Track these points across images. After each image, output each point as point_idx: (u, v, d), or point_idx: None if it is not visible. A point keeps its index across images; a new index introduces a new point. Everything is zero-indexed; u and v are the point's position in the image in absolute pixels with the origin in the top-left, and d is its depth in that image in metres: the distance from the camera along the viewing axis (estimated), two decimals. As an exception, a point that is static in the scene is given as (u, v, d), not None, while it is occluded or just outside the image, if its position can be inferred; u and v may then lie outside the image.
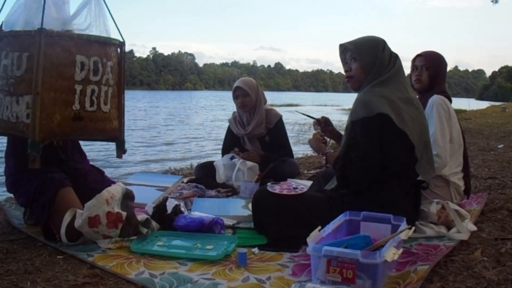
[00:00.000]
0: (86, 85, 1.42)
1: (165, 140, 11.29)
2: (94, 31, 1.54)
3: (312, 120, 2.75)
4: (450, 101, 2.73)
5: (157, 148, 9.54)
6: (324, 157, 2.39)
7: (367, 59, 2.20)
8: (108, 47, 1.51)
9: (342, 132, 2.50)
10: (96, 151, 7.46)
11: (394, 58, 2.22)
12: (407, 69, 2.58)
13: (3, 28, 1.50)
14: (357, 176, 2.13)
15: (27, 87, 1.34)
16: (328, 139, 2.61)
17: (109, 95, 1.50)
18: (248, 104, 3.56)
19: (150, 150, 9.11)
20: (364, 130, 2.09)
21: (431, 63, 2.73)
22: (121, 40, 1.59)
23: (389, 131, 2.06)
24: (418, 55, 2.81)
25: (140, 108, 27.06)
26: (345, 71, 2.31)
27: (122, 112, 1.57)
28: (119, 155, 1.60)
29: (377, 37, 2.26)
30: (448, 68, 2.91)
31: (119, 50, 1.58)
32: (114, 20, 1.65)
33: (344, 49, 2.32)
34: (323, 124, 2.65)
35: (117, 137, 1.56)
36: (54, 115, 1.35)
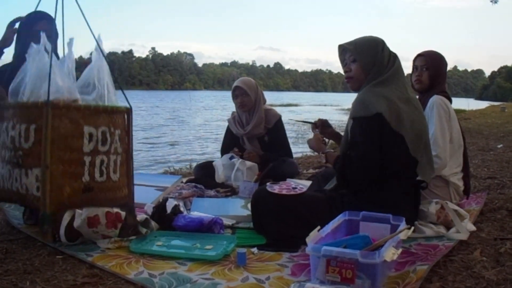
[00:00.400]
0: (95, 156, 1.40)
1: (168, 140, 11.23)
2: (100, 98, 1.51)
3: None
4: (450, 101, 2.72)
5: (160, 149, 9.48)
6: (324, 156, 2.38)
7: (367, 59, 2.20)
8: (115, 115, 1.48)
9: (342, 133, 2.50)
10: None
11: (393, 58, 2.22)
12: (407, 69, 2.58)
13: (9, 96, 1.48)
14: (356, 176, 2.13)
15: (35, 159, 1.32)
16: (327, 140, 2.60)
17: (118, 163, 1.48)
18: (247, 104, 3.56)
19: (152, 150, 9.07)
20: (363, 130, 2.09)
21: (431, 63, 2.73)
22: (128, 106, 1.56)
23: (388, 131, 2.06)
24: (418, 55, 2.80)
25: (142, 108, 27.05)
26: (345, 71, 2.31)
27: (131, 178, 1.54)
28: (130, 221, 1.58)
29: (376, 37, 2.27)
30: (448, 68, 2.91)
31: (126, 116, 1.54)
32: (119, 84, 1.63)
33: (343, 49, 2.32)
34: (320, 126, 2.63)
35: (126, 203, 1.53)
36: (64, 187, 1.33)
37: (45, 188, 1.29)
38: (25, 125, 1.36)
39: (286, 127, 3.82)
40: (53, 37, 2.36)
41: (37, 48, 1.45)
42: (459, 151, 2.69)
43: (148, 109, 26.68)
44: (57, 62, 1.49)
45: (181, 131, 13.75)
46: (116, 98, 1.59)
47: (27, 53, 1.47)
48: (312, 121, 2.67)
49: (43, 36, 1.47)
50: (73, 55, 1.60)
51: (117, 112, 1.48)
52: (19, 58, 2.65)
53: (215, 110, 26.01)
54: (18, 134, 1.37)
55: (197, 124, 16.51)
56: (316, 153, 2.85)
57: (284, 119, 3.79)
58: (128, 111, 1.54)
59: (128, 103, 1.56)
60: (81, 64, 2.20)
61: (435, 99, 2.62)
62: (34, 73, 1.43)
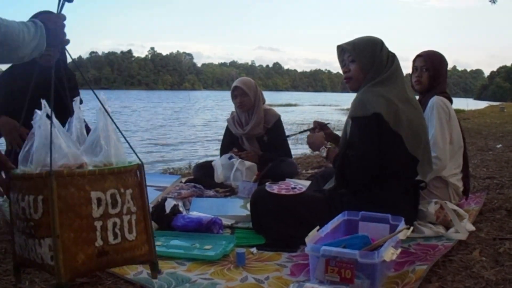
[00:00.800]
0: (106, 220, 1.38)
1: (170, 141, 11.09)
2: (108, 159, 1.48)
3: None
4: (451, 101, 2.71)
5: (163, 150, 9.34)
6: (326, 150, 2.35)
7: (366, 59, 2.20)
8: (124, 175, 1.45)
9: (339, 133, 2.49)
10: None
11: (392, 57, 2.22)
12: (406, 69, 2.57)
13: (19, 164, 1.49)
14: (355, 175, 2.13)
15: (47, 229, 1.31)
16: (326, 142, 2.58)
17: (133, 222, 1.44)
18: (246, 104, 3.56)
19: (155, 151, 8.94)
20: (362, 130, 2.09)
21: (431, 64, 2.71)
22: (139, 162, 1.53)
23: (386, 131, 2.06)
24: (418, 56, 2.79)
25: (144, 108, 26.98)
26: (344, 72, 2.30)
27: (151, 233, 1.51)
28: (154, 277, 1.55)
29: (375, 37, 2.26)
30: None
31: (138, 172, 1.52)
32: (128, 142, 1.59)
33: (342, 50, 2.31)
34: (319, 128, 2.58)
35: (148, 260, 1.51)
36: (77, 255, 1.31)
37: (58, 257, 1.28)
38: (33, 196, 1.37)
39: (285, 127, 3.83)
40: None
41: (40, 114, 1.44)
42: (459, 152, 2.68)
43: (149, 109, 26.63)
44: (61, 128, 1.47)
45: (183, 132, 13.67)
46: (125, 156, 1.56)
47: (33, 120, 1.47)
48: (308, 127, 2.64)
49: (43, 103, 1.46)
50: (81, 113, 1.58)
51: (126, 172, 1.46)
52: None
53: (217, 111, 25.84)
54: (27, 205, 1.38)
55: (199, 125, 16.42)
56: (315, 152, 2.82)
57: (283, 119, 3.79)
58: (139, 167, 1.51)
59: (139, 159, 1.54)
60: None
61: (435, 100, 2.61)
62: (39, 141, 1.43)
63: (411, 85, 2.75)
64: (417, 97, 2.39)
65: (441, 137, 2.55)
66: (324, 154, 2.32)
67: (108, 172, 1.41)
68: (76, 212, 1.33)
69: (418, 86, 2.76)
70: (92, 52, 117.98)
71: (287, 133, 3.79)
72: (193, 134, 12.94)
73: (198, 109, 28.65)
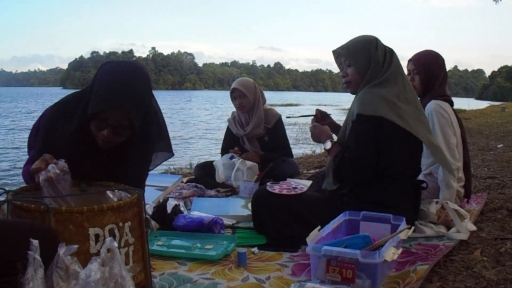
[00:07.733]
0: None
1: (177, 144, 10.87)
2: None
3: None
4: (452, 104, 2.65)
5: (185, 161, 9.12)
6: (331, 144, 2.27)
7: (361, 61, 2.17)
8: (124, 208, 1.44)
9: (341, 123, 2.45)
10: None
11: (390, 54, 2.18)
12: (405, 68, 2.54)
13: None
14: (349, 176, 2.14)
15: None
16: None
17: (130, 253, 1.43)
18: (246, 105, 3.55)
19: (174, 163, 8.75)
20: (358, 132, 2.08)
21: (421, 67, 2.65)
22: (138, 191, 1.51)
23: (388, 132, 2.05)
24: (409, 59, 2.73)
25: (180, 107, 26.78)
26: (342, 76, 2.27)
27: (148, 261, 1.51)
28: None
29: (368, 36, 2.22)
30: (448, 68, 2.86)
31: (137, 200, 1.51)
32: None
33: (338, 54, 2.29)
34: (321, 117, 2.56)
35: (143, 287, 1.51)
36: None
37: None
38: None
39: (286, 126, 3.81)
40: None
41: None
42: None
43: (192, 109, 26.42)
44: None
45: (187, 133, 13.56)
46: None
47: None
48: (311, 114, 2.60)
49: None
50: None
51: (126, 205, 1.46)
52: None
53: (221, 110, 25.59)
54: None
55: (204, 126, 16.29)
56: (320, 151, 2.79)
57: (284, 118, 3.79)
58: (139, 196, 1.51)
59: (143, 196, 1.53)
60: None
61: (433, 106, 2.55)
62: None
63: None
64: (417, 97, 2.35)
65: (446, 145, 2.50)
66: (328, 147, 2.27)
67: (108, 208, 1.41)
68: None
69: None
70: (93, 52, 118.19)
71: (288, 133, 3.79)
72: (199, 136, 12.75)
73: (202, 109, 28.50)
